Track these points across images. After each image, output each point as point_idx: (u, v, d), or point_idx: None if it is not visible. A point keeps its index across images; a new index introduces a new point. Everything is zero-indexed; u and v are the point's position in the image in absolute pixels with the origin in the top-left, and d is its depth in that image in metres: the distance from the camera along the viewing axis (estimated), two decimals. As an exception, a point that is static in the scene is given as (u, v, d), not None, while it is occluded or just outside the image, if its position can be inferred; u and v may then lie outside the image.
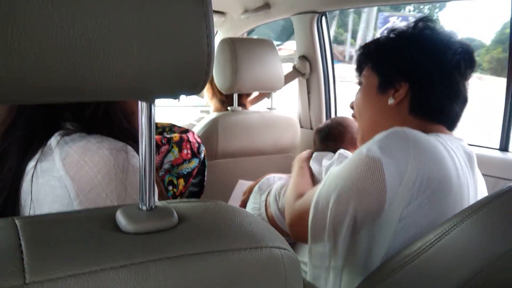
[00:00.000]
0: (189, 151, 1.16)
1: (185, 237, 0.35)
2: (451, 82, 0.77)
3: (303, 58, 1.82)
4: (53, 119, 0.60)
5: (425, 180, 0.64)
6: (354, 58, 1.20)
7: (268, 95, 1.70)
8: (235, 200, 1.54)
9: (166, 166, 1.11)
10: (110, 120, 0.62)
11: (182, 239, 0.35)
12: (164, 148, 1.09)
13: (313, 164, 1.14)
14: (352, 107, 0.91)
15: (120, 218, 0.35)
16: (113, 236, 0.34)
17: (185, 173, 1.15)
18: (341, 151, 1.11)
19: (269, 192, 1.23)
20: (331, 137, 1.23)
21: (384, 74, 0.82)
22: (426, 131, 0.74)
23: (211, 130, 1.45)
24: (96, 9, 0.28)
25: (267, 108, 1.65)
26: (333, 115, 1.87)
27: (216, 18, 2.19)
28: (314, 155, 1.18)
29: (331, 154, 1.15)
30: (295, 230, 0.85)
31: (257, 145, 1.57)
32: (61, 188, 0.54)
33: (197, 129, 1.49)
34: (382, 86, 0.81)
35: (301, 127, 1.87)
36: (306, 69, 1.81)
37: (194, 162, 1.17)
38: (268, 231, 0.41)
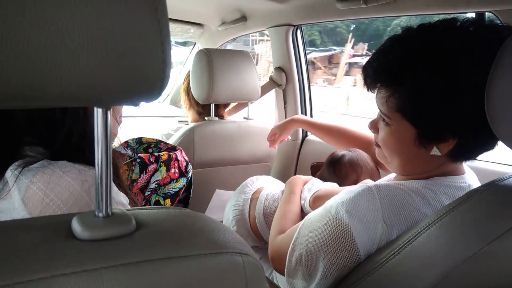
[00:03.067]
0: (176, 170, 1.13)
1: (142, 243, 0.35)
2: None
3: (279, 69, 1.84)
4: (9, 144, 0.51)
5: (398, 237, 0.63)
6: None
7: (245, 105, 1.71)
8: (212, 210, 1.53)
9: (153, 185, 1.09)
10: (84, 141, 0.54)
11: (139, 246, 0.35)
12: (151, 167, 1.07)
13: (305, 191, 1.07)
14: (371, 130, 0.77)
15: (76, 225, 0.35)
16: (67, 243, 0.34)
17: (172, 192, 1.13)
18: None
19: (254, 193, 1.19)
20: (336, 172, 1.14)
21: (424, 129, 0.66)
22: (449, 172, 0.70)
23: (188, 140, 1.45)
24: (46, 13, 0.28)
25: (244, 118, 1.66)
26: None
27: (194, 30, 2.20)
28: (313, 180, 1.11)
29: (331, 184, 1.09)
30: (275, 264, 0.84)
31: (234, 155, 1.57)
32: None
33: (174, 138, 1.49)
34: (424, 139, 0.66)
35: (278, 137, 1.88)
36: (282, 80, 1.83)
37: (182, 182, 1.15)
38: (230, 237, 0.41)
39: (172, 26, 2.11)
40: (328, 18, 1.63)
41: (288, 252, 0.73)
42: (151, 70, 0.32)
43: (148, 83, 0.33)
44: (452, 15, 0.71)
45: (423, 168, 0.71)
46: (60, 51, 0.29)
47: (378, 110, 0.72)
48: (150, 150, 1.21)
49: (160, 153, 1.11)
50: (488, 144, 0.67)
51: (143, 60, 0.31)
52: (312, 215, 0.73)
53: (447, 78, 0.61)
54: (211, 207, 1.54)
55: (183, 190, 1.19)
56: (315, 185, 1.07)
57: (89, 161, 0.52)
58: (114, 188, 0.66)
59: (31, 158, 0.50)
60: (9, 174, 0.48)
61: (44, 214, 0.46)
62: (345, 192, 0.69)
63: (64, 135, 0.52)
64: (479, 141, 0.66)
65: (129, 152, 1.14)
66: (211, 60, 1.44)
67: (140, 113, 2.22)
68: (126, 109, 2.18)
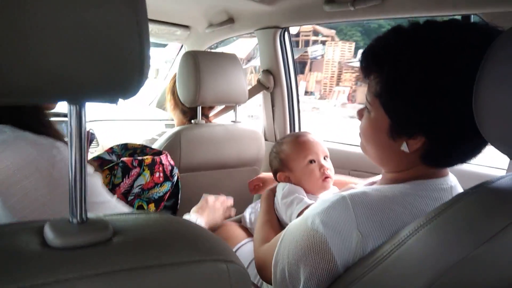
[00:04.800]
0: (161, 174, 1.10)
1: (119, 251, 0.33)
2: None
3: (267, 72, 1.83)
4: None
5: (375, 246, 0.63)
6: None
7: (232, 108, 1.69)
8: None
9: (136, 190, 1.05)
10: (22, 109, 0.60)
11: (116, 254, 0.32)
12: (134, 171, 1.04)
13: (276, 200, 1.10)
14: (358, 118, 0.77)
15: (48, 231, 0.32)
16: (39, 252, 0.31)
17: (156, 197, 1.09)
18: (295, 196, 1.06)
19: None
20: (273, 170, 1.18)
21: (397, 121, 0.66)
22: (427, 176, 0.69)
23: (174, 144, 1.42)
24: (17, 6, 0.26)
25: (232, 121, 1.64)
26: (297, 128, 1.89)
27: (180, 32, 2.18)
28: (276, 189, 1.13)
29: (287, 187, 1.09)
30: (262, 274, 0.84)
31: (221, 158, 1.55)
32: None
33: (159, 142, 1.45)
34: (394, 132, 0.67)
35: (266, 140, 1.87)
36: (270, 83, 1.82)
37: (166, 186, 1.12)
38: (214, 243, 0.39)
39: (159, 28, 2.08)
40: (316, 21, 1.63)
41: (272, 264, 0.73)
42: (129, 63, 0.30)
43: (125, 79, 0.31)
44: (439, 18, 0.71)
45: (397, 164, 0.71)
46: (28, 42, 0.26)
47: None
48: (135, 155, 1.18)
49: (143, 157, 1.08)
50: (466, 153, 0.66)
51: (120, 53, 0.29)
52: (292, 225, 0.73)
53: (426, 75, 0.60)
54: (198, 212, 1.51)
55: (168, 194, 1.16)
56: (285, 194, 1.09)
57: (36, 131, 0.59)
58: (113, 197, 0.71)
59: None
60: None
61: (6, 180, 0.52)
62: (320, 202, 0.69)
63: None
64: (452, 147, 0.64)
65: (114, 158, 1.11)
66: (198, 62, 1.41)
67: (125, 117, 2.18)
68: (111, 112, 2.12)
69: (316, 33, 13.83)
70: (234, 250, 1.13)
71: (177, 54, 2.50)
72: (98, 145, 1.91)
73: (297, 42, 13.90)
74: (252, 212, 1.25)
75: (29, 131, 0.59)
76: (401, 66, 0.62)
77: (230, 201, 1.23)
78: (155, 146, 1.45)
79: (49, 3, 0.26)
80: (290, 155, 1.12)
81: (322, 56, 13.82)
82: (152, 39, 2.29)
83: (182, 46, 2.41)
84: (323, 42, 13.96)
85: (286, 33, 1.80)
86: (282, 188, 1.09)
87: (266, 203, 1.10)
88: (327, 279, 0.65)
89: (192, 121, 1.54)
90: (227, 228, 1.22)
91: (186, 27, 2.15)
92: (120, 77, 0.30)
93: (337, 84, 12.94)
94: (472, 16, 1.16)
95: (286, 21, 1.70)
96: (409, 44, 0.63)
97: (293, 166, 1.11)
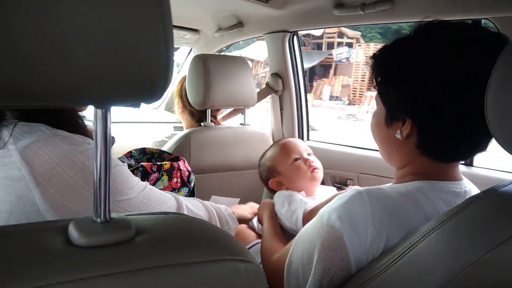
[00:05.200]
0: (178, 180, 1.12)
1: (142, 250, 0.34)
2: (465, 111, 0.63)
3: (276, 75, 1.84)
4: None
5: (388, 244, 0.63)
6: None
7: (241, 111, 1.70)
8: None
9: None
10: (57, 110, 0.66)
11: (138, 252, 0.33)
12: (153, 176, 1.06)
13: (277, 212, 1.12)
14: None
15: (73, 230, 0.33)
16: (64, 250, 0.32)
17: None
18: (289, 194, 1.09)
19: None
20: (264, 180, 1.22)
21: (388, 106, 0.72)
22: (429, 173, 0.70)
23: (183, 146, 1.44)
24: (41, 9, 0.27)
25: (240, 124, 1.65)
26: (305, 131, 1.90)
27: (190, 36, 2.20)
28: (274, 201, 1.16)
29: (282, 195, 1.12)
30: (276, 283, 0.82)
31: (230, 161, 1.56)
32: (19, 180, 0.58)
33: (169, 145, 1.47)
34: (388, 118, 0.72)
35: (274, 143, 1.88)
36: (279, 86, 1.83)
37: (184, 192, 1.13)
38: (232, 243, 0.40)
39: (168, 32, 2.09)
40: (325, 25, 1.63)
41: (285, 267, 0.73)
42: (154, 68, 0.31)
43: (150, 84, 0.32)
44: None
45: (398, 156, 0.74)
46: (57, 48, 0.27)
47: None
48: (153, 160, 1.20)
49: (162, 163, 1.10)
50: (466, 145, 0.69)
51: (145, 58, 0.30)
52: (307, 226, 0.73)
53: (402, 60, 0.68)
54: (206, 214, 1.52)
55: None
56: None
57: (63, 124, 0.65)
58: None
59: (10, 119, 0.62)
60: (6, 132, 0.60)
61: (37, 162, 0.58)
62: (336, 198, 0.69)
63: None
64: (440, 132, 0.67)
65: (132, 162, 1.13)
66: (207, 66, 1.43)
67: (134, 119, 2.20)
68: (120, 114, 2.14)
69: (341, 34, 13.11)
70: None
71: (186, 58, 2.52)
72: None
73: (318, 44, 13.41)
74: None
75: (63, 129, 0.64)
76: (386, 54, 0.72)
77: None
78: (165, 148, 1.47)
79: (77, 9, 0.27)
80: (275, 160, 1.19)
81: (347, 59, 13.06)
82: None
83: (191, 49, 2.43)
84: (349, 44, 13.19)
85: (295, 37, 1.81)
86: (279, 199, 1.12)
87: (268, 215, 1.11)
88: (339, 278, 0.64)
89: (202, 123, 1.56)
90: (237, 229, 1.23)
91: (195, 30, 2.17)
92: (146, 82, 0.31)
93: (368, 89, 11.85)
94: (482, 20, 1.16)
95: (295, 25, 1.71)
96: (400, 41, 0.71)
97: (280, 169, 1.17)
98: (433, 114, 0.66)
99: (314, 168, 1.14)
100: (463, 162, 1.30)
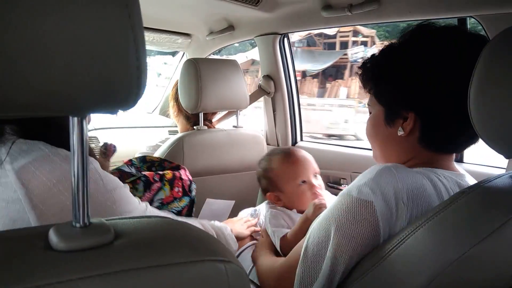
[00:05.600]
0: (180, 189, 1.12)
1: (121, 253, 0.35)
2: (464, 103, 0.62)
3: (268, 77, 1.85)
4: None
5: (413, 217, 0.63)
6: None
7: (234, 113, 1.71)
8: (203, 219, 1.51)
9: (156, 204, 1.07)
10: (54, 123, 0.63)
11: (117, 255, 0.34)
12: (155, 186, 1.06)
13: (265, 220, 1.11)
14: None
15: (52, 235, 0.34)
16: (43, 254, 0.33)
17: (175, 212, 1.11)
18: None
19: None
20: (262, 188, 1.19)
21: (387, 104, 0.74)
22: (431, 163, 0.72)
23: (177, 150, 1.44)
24: (14, 20, 0.28)
25: (233, 126, 1.66)
26: (298, 132, 1.91)
27: (182, 40, 2.21)
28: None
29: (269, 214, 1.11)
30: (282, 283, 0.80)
31: (224, 163, 1.56)
32: (14, 203, 0.56)
33: (163, 149, 1.48)
34: (388, 117, 0.74)
35: (268, 144, 1.89)
36: (271, 88, 1.84)
37: (185, 201, 1.14)
38: (212, 244, 0.41)
39: (160, 37, 2.11)
40: (314, 26, 1.65)
41: (303, 251, 0.70)
42: (126, 77, 0.32)
43: (123, 90, 0.33)
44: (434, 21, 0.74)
45: (399, 153, 0.75)
46: (31, 58, 0.28)
47: None
48: (153, 168, 1.20)
49: (164, 172, 1.11)
50: (456, 132, 0.71)
51: (118, 68, 0.31)
52: (321, 216, 0.71)
53: (395, 53, 0.72)
54: (202, 217, 1.53)
55: (186, 209, 1.18)
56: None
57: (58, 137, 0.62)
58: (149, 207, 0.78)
59: (9, 135, 0.61)
60: (3, 150, 0.58)
61: (33, 184, 0.56)
62: (363, 175, 0.68)
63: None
64: (441, 123, 0.70)
65: (133, 170, 1.13)
66: (199, 70, 1.44)
67: (129, 124, 2.21)
68: (114, 119, 2.14)
69: (355, 33, 12.21)
70: (237, 253, 1.13)
71: (179, 61, 2.53)
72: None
73: (330, 44, 12.53)
74: (254, 215, 1.26)
75: (64, 147, 0.62)
76: (379, 58, 0.75)
77: (254, 220, 1.22)
78: (158, 152, 1.47)
79: (49, 20, 0.28)
80: (280, 176, 1.12)
81: (363, 58, 12.57)
82: (154, 48, 2.32)
83: (183, 53, 2.45)
84: (364, 43, 12.37)
85: (285, 39, 1.82)
86: (267, 212, 1.11)
87: (261, 252, 1.04)
88: (368, 250, 0.64)
89: (195, 127, 1.57)
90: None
91: (187, 35, 2.18)
92: (119, 89, 0.32)
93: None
94: (468, 18, 1.17)
95: (284, 27, 1.72)
96: (390, 46, 0.75)
97: (283, 187, 1.12)
98: (435, 104, 0.69)
99: (317, 196, 1.09)
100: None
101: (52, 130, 0.63)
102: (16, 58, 0.28)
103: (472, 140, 0.72)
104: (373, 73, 0.76)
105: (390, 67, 0.72)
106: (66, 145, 0.61)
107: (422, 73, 0.69)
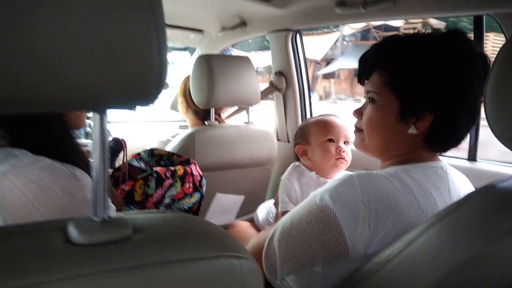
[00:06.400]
0: (191, 185, 1.12)
1: (139, 247, 0.35)
2: (475, 111, 0.72)
3: (279, 74, 1.85)
4: None
5: (378, 220, 0.65)
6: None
7: (244, 109, 1.71)
8: (213, 214, 1.53)
9: (167, 200, 1.08)
10: (48, 130, 0.57)
11: (135, 250, 0.35)
12: (167, 182, 1.06)
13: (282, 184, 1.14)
14: (355, 116, 0.83)
15: (72, 229, 0.35)
16: (63, 248, 0.33)
17: (186, 208, 1.11)
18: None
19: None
20: (294, 143, 1.22)
21: (407, 101, 0.73)
22: (422, 159, 0.74)
23: (188, 145, 1.45)
24: (39, 18, 0.28)
25: (244, 122, 1.66)
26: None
27: (194, 36, 2.21)
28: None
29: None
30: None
31: (235, 159, 1.57)
32: None
33: (174, 144, 1.49)
34: (404, 113, 0.73)
35: (278, 140, 1.89)
36: (282, 84, 1.84)
37: (196, 197, 1.14)
38: (227, 240, 0.41)
39: (172, 32, 2.11)
40: (328, 23, 1.64)
41: (266, 243, 0.73)
42: (148, 74, 0.32)
43: (145, 87, 0.33)
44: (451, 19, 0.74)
45: (398, 148, 0.76)
46: (54, 55, 0.29)
47: (365, 95, 0.79)
48: (162, 162, 1.21)
49: (176, 168, 1.11)
50: (457, 134, 0.74)
51: (140, 65, 0.31)
52: (295, 208, 0.75)
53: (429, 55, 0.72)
54: (212, 211, 1.54)
55: (197, 205, 1.18)
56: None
57: (47, 144, 0.55)
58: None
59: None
60: None
61: (8, 200, 0.49)
62: (329, 182, 0.72)
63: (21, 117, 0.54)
64: (452, 127, 0.72)
65: (142, 165, 1.14)
66: (211, 66, 1.44)
67: (139, 118, 2.22)
68: (125, 114, 2.14)
69: (425, 24, 11.11)
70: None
71: (191, 57, 2.54)
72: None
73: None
74: (265, 211, 1.26)
75: (49, 155, 0.54)
76: (410, 56, 0.73)
77: None
78: (169, 147, 1.48)
79: (75, 20, 0.29)
80: (311, 130, 1.17)
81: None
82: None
83: (195, 49, 2.45)
84: None
85: (298, 36, 1.81)
86: (285, 175, 1.15)
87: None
88: (335, 253, 0.66)
89: (206, 122, 1.57)
90: (239, 228, 1.24)
91: (199, 31, 2.18)
92: (140, 86, 0.32)
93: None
94: (484, 16, 1.15)
95: (297, 23, 1.71)
96: (406, 40, 0.75)
97: (311, 140, 1.16)
98: (455, 109, 0.70)
99: (341, 158, 1.12)
100: (466, 158, 1.30)
101: (38, 135, 0.56)
102: (45, 55, 0.28)
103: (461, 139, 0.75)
104: (400, 68, 0.73)
105: (421, 66, 0.70)
106: (52, 153, 0.54)
107: (450, 78, 0.69)
